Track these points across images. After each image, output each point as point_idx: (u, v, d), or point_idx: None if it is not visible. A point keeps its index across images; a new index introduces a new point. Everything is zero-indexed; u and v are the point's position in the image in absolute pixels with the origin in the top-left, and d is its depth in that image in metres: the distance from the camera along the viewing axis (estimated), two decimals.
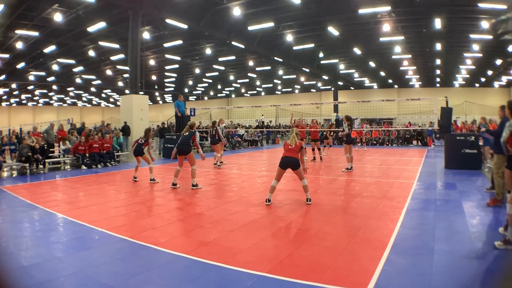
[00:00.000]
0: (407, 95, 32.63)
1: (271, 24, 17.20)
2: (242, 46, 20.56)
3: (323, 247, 3.66)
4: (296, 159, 5.56)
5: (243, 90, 42.19)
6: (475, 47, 20.05)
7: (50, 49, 19.92)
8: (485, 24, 15.64)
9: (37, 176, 9.58)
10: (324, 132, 16.23)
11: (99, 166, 11.31)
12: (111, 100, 47.47)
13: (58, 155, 12.47)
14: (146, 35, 18.23)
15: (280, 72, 31.15)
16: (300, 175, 5.64)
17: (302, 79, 34.10)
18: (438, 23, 15.97)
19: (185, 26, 16.71)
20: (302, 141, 5.94)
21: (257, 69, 29.30)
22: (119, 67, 26.23)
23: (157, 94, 43.99)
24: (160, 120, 35.43)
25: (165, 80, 35.10)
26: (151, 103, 45.23)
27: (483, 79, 30.85)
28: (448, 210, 5.21)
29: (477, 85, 32.89)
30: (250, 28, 17.69)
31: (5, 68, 23.50)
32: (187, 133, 7.21)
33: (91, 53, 22.29)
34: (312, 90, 40.48)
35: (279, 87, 40.63)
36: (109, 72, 29.01)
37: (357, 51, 22.43)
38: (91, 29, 16.61)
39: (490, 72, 27.68)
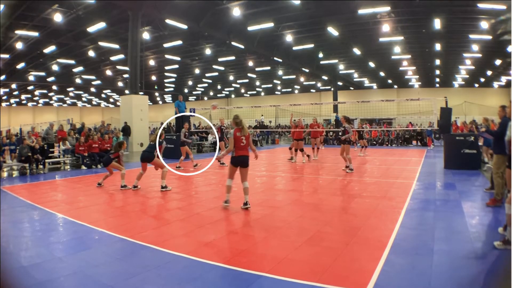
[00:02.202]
0: (407, 95, 32.66)
1: (270, 25, 17.22)
2: (242, 47, 20.59)
3: (323, 247, 3.67)
4: (248, 156, 5.32)
5: (242, 90, 42.21)
6: (475, 47, 20.08)
7: (50, 49, 19.94)
8: (484, 25, 15.67)
9: (37, 176, 9.58)
10: (361, 132, 16.13)
11: (99, 166, 11.30)
12: (111, 100, 47.49)
13: (58, 155, 12.47)
14: (146, 35, 18.25)
15: (280, 72, 31.18)
16: (244, 175, 5.32)
17: (302, 79, 34.13)
18: (437, 23, 15.99)
19: (185, 27, 16.73)
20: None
21: (257, 69, 29.33)
22: (119, 67, 26.25)
23: (157, 94, 44.01)
24: (159, 120, 35.47)
25: (165, 80, 35.12)
26: (151, 103, 45.24)
27: (482, 79, 30.90)
28: (448, 210, 5.21)
29: (476, 85, 32.94)
30: (250, 28, 17.71)
31: (5, 68, 23.49)
32: (152, 143, 7.21)
33: (91, 53, 22.31)
34: (311, 90, 40.52)
35: (279, 87, 40.66)
36: (109, 72, 29.03)
37: (356, 51, 22.46)
38: (91, 29, 16.63)
39: (489, 73, 27.72)
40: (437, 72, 29.18)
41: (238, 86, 39.31)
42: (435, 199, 5.96)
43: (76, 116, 42.86)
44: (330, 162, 12.25)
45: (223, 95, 45.44)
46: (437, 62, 25.10)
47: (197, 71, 29.49)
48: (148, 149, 7.21)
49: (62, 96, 42.08)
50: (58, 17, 14.85)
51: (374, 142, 21.33)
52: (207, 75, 31.82)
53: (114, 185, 7.68)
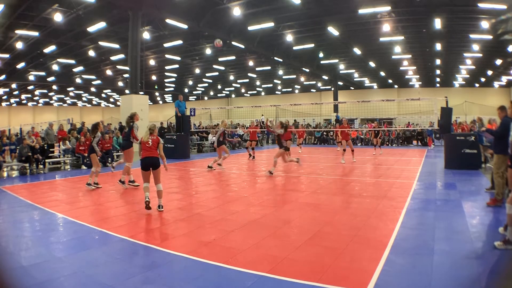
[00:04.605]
0: (407, 95, 32.61)
1: (271, 24, 17.21)
2: (242, 46, 20.57)
3: (323, 247, 3.66)
4: (156, 158, 5.32)
5: (243, 90, 42.19)
6: (475, 47, 20.05)
7: (50, 49, 19.92)
8: (485, 24, 15.64)
9: (37, 176, 9.58)
10: (376, 131, 16.24)
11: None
12: (111, 100, 47.48)
13: (58, 155, 12.46)
14: (146, 35, 18.23)
15: (280, 72, 31.16)
16: (157, 178, 5.29)
17: (302, 79, 34.09)
18: (438, 23, 15.96)
19: (185, 26, 16.72)
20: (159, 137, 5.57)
21: (257, 69, 29.30)
22: (119, 67, 26.23)
23: (157, 94, 43.99)
24: (159, 120, 35.49)
25: (165, 80, 35.11)
26: (151, 103, 45.21)
27: (483, 79, 30.85)
28: (448, 210, 5.21)
29: (477, 85, 32.89)
30: (250, 28, 17.70)
31: (5, 68, 23.50)
32: (127, 129, 7.34)
33: (91, 53, 22.30)
34: (312, 90, 40.48)
35: (279, 87, 40.63)
36: (109, 72, 29.02)
37: (357, 51, 22.43)
38: (91, 29, 16.61)
39: (490, 72, 27.68)
40: (438, 71, 29.13)
41: (238, 86, 39.27)
42: (435, 199, 5.95)
43: (76, 116, 42.83)
44: (328, 162, 12.24)
45: (223, 95, 45.40)
46: (438, 61, 25.06)
47: (197, 70, 29.47)
48: (124, 137, 7.39)
49: (62, 96, 42.06)
50: (58, 17, 14.82)
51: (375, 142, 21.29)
52: (207, 74, 31.80)
53: (113, 185, 7.68)
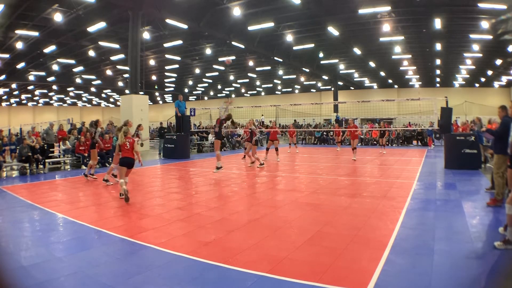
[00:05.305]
0: (407, 95, 32.60)
1: (271, 24, 17.22)
2: (242, 46, 20.58)
3: (323, 247, 3.66)
4: (132, 159, 6.21)
5: (243, 90, 42.19)
6: (475, 47, 20.06)
7: (50, 49, 19.94)
8: (485, 24, 15.65)
9: (37, 176, 9.58)
10: (382, 131, 16.78)
11: (98, 166, 11.26)
12: (111, 100, 47.49)
13: (58, 155, 12.46)
14: (146, 35, 18.24)
15: (280, 72, 31.16)
16: (128, 173, 6.30)
17: (302, 79, 34.10)
18: (438, 23, 15.98)
19: (185, 26, 16.73)
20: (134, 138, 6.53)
21: (257, 69, 29.31)
22: (119, 67, 26.25)
23: (157, 94, 44.01)
24: (159, 120, 35.49)
25: (165, 80, 35.12)
26: (151, 103, 45.23)
27: (483, 79, 30.86)
28: (448, 210, 5.21)
29: (477, 85, 32.90)
30: (250, 28, 17.71)
31: (5, 68, 23.50)
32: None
33: (91, 53, 22.31)
34: (312, 90, 40.50)
35: (279, 87, 40.64)
36: (109, 72, 29.03)
37: (357, 51, 22.44)
38: (91, 29, 16.62)
39: (490, 72, 27.69)
40: (438, 71, 29.14)
41: (238, 86, 39.29)
42: (435, 199, 5.95)
43: (76, 116, 42.83)
44: (328, 162, 12.24)
45: (223, 95, 45.40)
46: (438, 61, 25.07)
47: (197, 70, 29.48)
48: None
49: (62, 96, 42.07)
50: (58, 17, 14.83)
51: (375, 142, 21.31)
52: (207, 74, 31.81)
53: (113, 185, 7.68)
